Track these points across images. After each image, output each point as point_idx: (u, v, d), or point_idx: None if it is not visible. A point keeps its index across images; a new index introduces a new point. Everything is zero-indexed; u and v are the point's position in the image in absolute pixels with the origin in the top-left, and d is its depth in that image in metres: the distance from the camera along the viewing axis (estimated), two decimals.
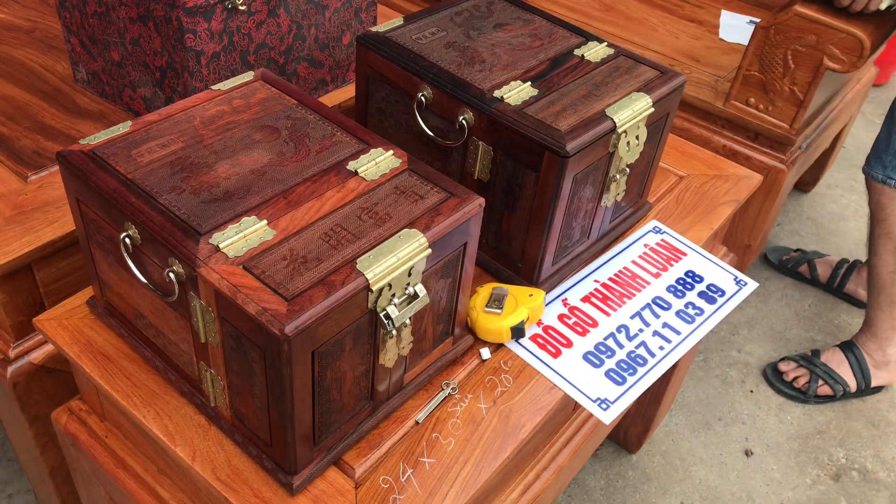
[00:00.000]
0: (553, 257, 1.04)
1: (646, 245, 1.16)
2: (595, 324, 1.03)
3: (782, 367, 1.99)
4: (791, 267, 2.29)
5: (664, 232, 1.19)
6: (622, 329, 1.03)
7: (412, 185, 0.83)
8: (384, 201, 0.81)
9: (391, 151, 0.86)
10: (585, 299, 1.07)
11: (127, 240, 0.78)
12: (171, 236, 0.74)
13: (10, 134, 1.24)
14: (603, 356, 0.99)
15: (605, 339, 1.02)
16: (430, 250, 0.77)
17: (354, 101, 1.19)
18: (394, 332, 0.79)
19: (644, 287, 1.10)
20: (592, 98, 1.00)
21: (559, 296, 1.07)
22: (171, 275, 0.74)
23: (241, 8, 1.15)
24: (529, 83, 1.00)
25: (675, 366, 1.53)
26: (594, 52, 1.08)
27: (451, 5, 1.15)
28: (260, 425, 0.79)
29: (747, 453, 1.82)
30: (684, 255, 1.15)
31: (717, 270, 1.14)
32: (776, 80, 1.74)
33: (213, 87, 0.94)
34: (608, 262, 1.13)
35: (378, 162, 0.85)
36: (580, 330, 1.02)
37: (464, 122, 0.99)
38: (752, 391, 1.97)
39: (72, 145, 0.83)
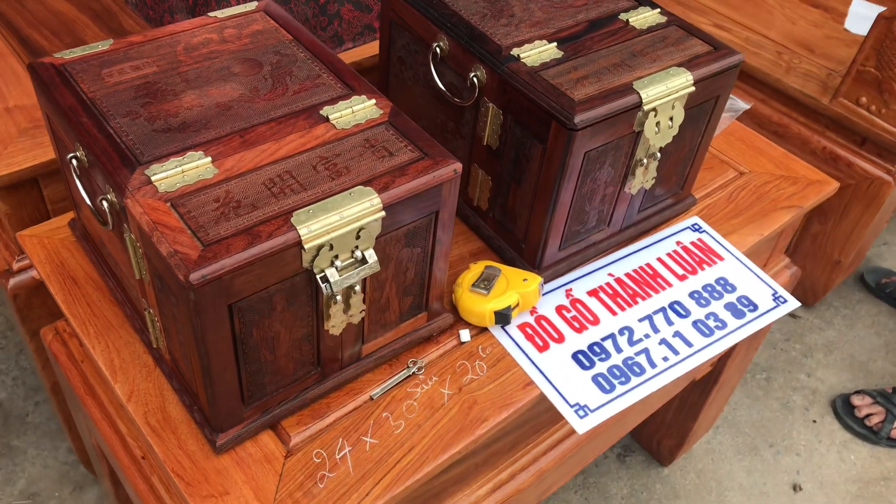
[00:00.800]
0: (560, 241, 0.93)
1: (678, 243, 1.03)
2: (596, 321, 0.93)
3: (856, 400, 1.79)
4: (889, 292, 2.06)
5: (704, 231, 1.05)
6: (625, 331, 0.92)
7: (385, 140, 0.75)
8: (348, 153, 0.73)
9: (373, 101, 0.78)
10: (593, 293, 0.96)
11: (74, 161, 0.74)
12: (108, 162, 0.69)
13: (49, 48, 1.24)
14: (595, 358, 0.89)
15: (603, 339, 0.91)
16: (383, 213, 0.69)
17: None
18: (338, 297, 0.71)
19: (664, 288, 0.97)
20: (623, 68, 0.88)
21: (564, 285, 0.96)
22: (105, 203, 0.70)
23: None
24: (555, 44, 0.89)
25: (718, 379, 1.39)
26: (642, 17, 0.95)
27: None
28: (190, 375, 0.74)
29: (795, 488, 1.66)
30: (721, 258, 1.02)
31: (754, 281, 1.00)
32: (894, 78, 1.53)
33: (210, 14, 0.88)
34: (630, 256, 1.01)
35: (356, 110, 0.77)
36: (577, 325, 0.92)
37: (475, 79, 0.90)
38: (815, 421, 1.79)
39: (46, 58, 0.80)
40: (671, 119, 0.89)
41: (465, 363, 0.87)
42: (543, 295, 0.94)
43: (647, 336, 0.92)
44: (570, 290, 0.96)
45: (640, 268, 1.00)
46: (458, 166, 0.73)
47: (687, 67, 0.88)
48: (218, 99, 0.77)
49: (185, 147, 0.71)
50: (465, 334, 0.89)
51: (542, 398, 0.85)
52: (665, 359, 0.90)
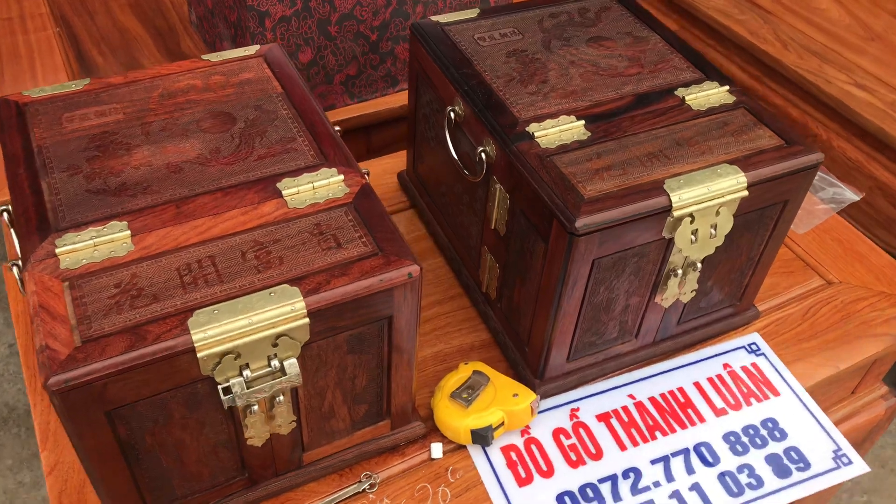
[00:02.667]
0: (569, 353, 0.79)
1: (726, 366, 0.86)
2: (598, 455, 0.77)
3: None
4: None
5: (762, 353, 0.87)
6: (631, 474, 0.76)
7: (338, 227, 0.64)
8: (290, 240, 0.62)
9: (342, 176, 0.67)
10: (603, 417, 0.80)
11: (5, 214, 0.67)
12: (25, 223, 0.62)
13: (103, 66, 1.22)
14: (583, 503, 0.74)
15: (602, 480, 0.75)
16: (306, 320, 0.58)
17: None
18: (254, 408, 0.61)
19: (695, 424, 0.80)
20: (660, 159, 0.72)
21: (570, 402, 0.81)
22: (16, 270, 0.62)
23: None
24: (583, 122, 0.75)
25: None
26: (703, 95, 0.79)
27: (549, 4, 0.91)
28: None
29: None
30: (776, 393, 0.84)
31: (813, 429, 0.81)
32: None
33: (204, 57, 0.80)
34: (660, 376, 0.84)
35: (317, 187, 0.66)
36: (574, 458, 0.77)
37: (483, 154, 0.77)
38: None
39: (14, 94, 0.74)
40: (714, 227, 0.72)
41: (426, 486, 0.74)
42: (543, 412, 0.80)
43: (656, 484, 0.75)
44: (577, 409, 0.81)
45: (671, 392, 0.83)
46: (415, 270, 0.61)
47: (742, 166, 0.71)
48: (171, 158, 0.68)
49: (112, 214, 0.63)
50: (436, 449, 0.77)
51: None
52: None
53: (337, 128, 0.76)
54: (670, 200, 0.68)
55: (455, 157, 0.83)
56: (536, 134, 0.73)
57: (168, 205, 0.64)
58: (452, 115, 0.81)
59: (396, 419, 0.74)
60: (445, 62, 0.82)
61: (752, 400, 0.83)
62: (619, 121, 0.76)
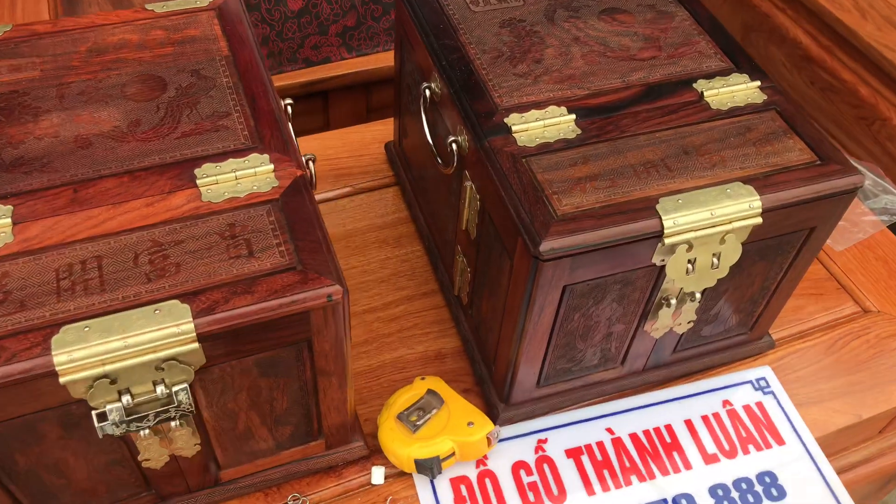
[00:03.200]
0: (539, 378, 0.68)
1: (727, 403, 0.74)
2: (561, 497, 0.68)
3: None
4: None
5: (770, 391, 0.75)
6: None
7: (254, 231, 0.54)
8: (193, 243, 0.53)
9: (272, 166, 0.57)
10: (573, 453, 0.70)
11: None
12: None
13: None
14: None
15: None
16: (196, 345, 0.49)
17: None
18: (145, 432, 0.53)
19: (679, 471, 0.70)
20: (659, 170, 0.60)
21: (538, 431, 0.71)
22: None
23: None
24: (574, 116, 0.63)
25: None
26: (727, 91, 0.66)
27: None
28: None
29: None
30: (781, 442, 0.72)
31: (817, 489, 0.70)
32: None
33: (148, 6, 0.70)
34: (647, 408, 0.74)
35: (240, 177, 0.57)
36: (533, 499, 0.67)
37: (454, 144, 0.66)
38: None
39: None
40: (717, 257, 0.60)
41: None
42: (505, 440, 0.71)
43: None
44: (545, 441, 0.71)
45: (656, 429, 0.72)
46: (337, 291, 0.51)
47: (758, 186, 0.59)
48: (83, 129, 0.59)
49: (1, 194, 0.54)
50: (377, 474, 0.68)
51: None
52: None
53: (288, 101, 0.66)
54: (662, 225, 0.56)
55: (430, 140, 0.72)
56: (515, 128, 0.61)
57: (65, 188, 0.55)
58: (428, 92, 0.70)
59: (332, 438, 0.66)
60: (426, 28, 0.70)
61: (751, 447, 0.72)
62: (619, 117, 0.63)
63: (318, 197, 0.89)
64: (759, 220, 0.59)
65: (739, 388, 0.76)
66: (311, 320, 0.52)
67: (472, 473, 0.69)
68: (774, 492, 0.69)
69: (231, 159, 0.58)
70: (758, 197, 0.58)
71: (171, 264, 0.52)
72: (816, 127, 0.64)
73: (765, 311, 0.72)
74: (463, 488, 0.68)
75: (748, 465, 0.71)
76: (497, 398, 0.71)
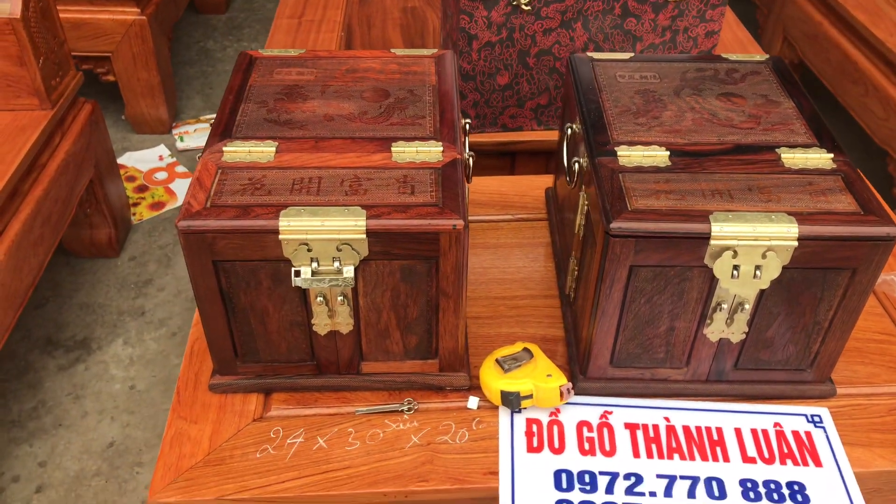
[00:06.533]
0: (612, 356, 0.86)
1: (777, 424, 0.86)
2: (611, 452, 0.83)
3: None
4: None
5: (822, 426, 0.86)
6: (632, 477, 0.81)
7: (420, 182, 0.79)
8: (379, 181, 0.80)
9: (441, 147, 0.83)
10: (631, 427, 0.86)
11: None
12: (215, 130, 0.86)
13: None
14: (577, 485, 0.81)
15: (602, 473, 0.82)
16: (363, 236, 0.75)
17: None
18: (319, 298, 0.79)
19: (717, 460, 0.83)
20: (722, 197, 0.78)
21: (606, 405, 0.88)
22: (198, 157, 0.87)
23: (524, 7, 1.18)
24: (669, 153, 0.83)
25: None
26: (802, 157, 0.83)
27: (707, 60, 1.00)
28: None
29: None
30: (818, 465, 0.83)
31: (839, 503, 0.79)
32: None
33: (392, 50, 1.01)
34: (705, 412, 0.88)
35: (420, 151, 0.83)
36: (587, 447, 0.84)
37: (576, 164, 0.88)
38: None
39: (255, 51, 1.01)
40: (759, 269, 0.76)
41: (451, 424, 0.86)
42: (577, 404, 0.88)
43: (652, 494, 0.80)
44: (610, 413, 0.87)
45: (707, 428, 0.86)
46: (459, 223, 0.75)
47: (800, 219, 0.75)
48: (330, 111, 0.90)
49: (271, 136, 0.85)
50: (473, 401, 0.88)
51: (495, 495, 0.81)
52: None
53: (468, 121, 0.93)
54: (710, 229, 0.75)
55: (564, 164, 0.95)
56: (620, 153, 0.83)
57: (310, 139, 0.85)
58: (569, 131, 0.93)
59: (444, 363, 0.88)
60: (580, 88, 0.95)
61: (789, 461, 0.83)
62: (706, 160, 0.83)
63: (484, 217, 1.15)
64: (794, 242, 0.74)
65: (794, 417, 0.87)
66: (440, 242, 0.76)
67: (544, 419, 0.87)
68: (799, 497, 0.80)
69: (417, 142, 0.85)
70: (796, 225, 0.74)
71: (362, 189, 0.79)
72: (872, 191, 0.79)
73: (821, 348, 0.85)
74: (534, 426, 0.86)
75: (782, 472, 0.82)
76: (579, 371, 0.89)
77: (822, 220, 0.75)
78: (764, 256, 0.76)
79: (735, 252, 0.75)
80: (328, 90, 0.93)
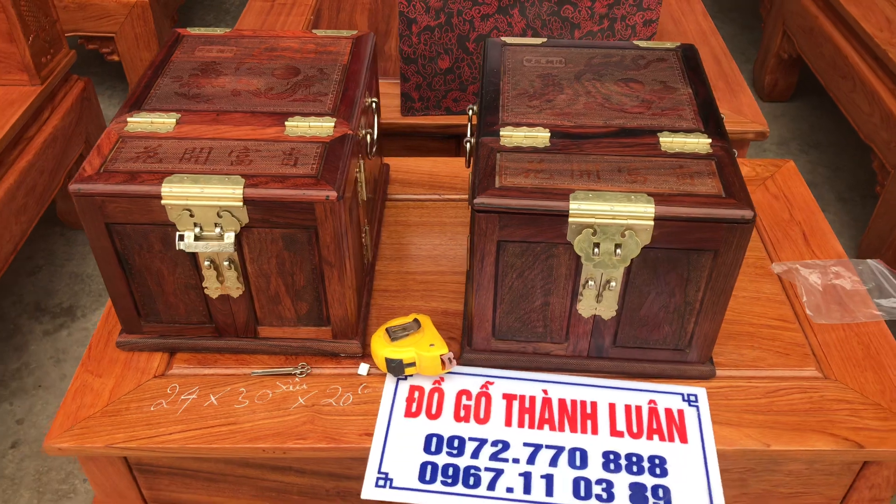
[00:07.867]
0: (493, 329, 0.90)
1: (652, 402, 0.89)
2: (484, 420, 0.87)
3: None
4: None
5: (696, 405, 0.89)
6: (499, 444, 0.85)
7: (305, 154, 0.84)
8: (266, 152, 0.84)
9: (332, 123, 0.87)
10: (508, 397, 0.90)
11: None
12: (127, 102, 0.92)
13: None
14: (445, 449, 0.84)
15: (472, 438, 0.85)
16: (241, 204, 0.79)
17: None
18: (207, 263, 0.84)
19: (585, 433, 0.86)
20: (590, 178, 0.81)
21: (488, 376, 0.92)
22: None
23: None
24: (549, 134, 0.86)
25: None
26: (680, 141, 0.85)
27: (619, 48, 1.02)
28: None
29: None
30: (683, 440, 0.85)
31: (696, 484, 0.82)
32: None
33: (314, 31, 1.06)
34: (583, 386, 0.91)
35: (312, 126, 0.87)
36: (463, 414, 0.88)
37: (468, 144, 0.92)
38: None
39: (184, 30, 1.06)
40: (618, 247, 0.79)
41: (338, 388, 0.91)
42: (461, 374, 0.92)
43: (515, 461, 0.83)
44: (491, 383, 0.91)
45: (582, 402, 0.89)
46: (333, 195, 0.79)
47: (658, 199, 0.78)
48: (238, 87, 0.94)
49: (176, 109, 0.90)
50: (363, 368, 0.93)
51: (365, 454, 0.85)
52: (509, 489, 0.81)
53: (375, 100, 0.97)
54: (569, 207, 0.77)
55: (467, 147, 0.98)
56: (503, 133, 0.86)
57: (212, 113, 0.90)
58: (470, 111, 0.97)
59: (337, 330, 0.92)
60: (485, 72, 0.98)
61: (656, 437, 0.86)
62: (585, 142, 0.86)
63: (409, 196, 1.18)
64: (651, 222, 0.77)
65: (669, 395, 0.90)
66: (316, 212, 0.80)
67: (427, 386, 0.91)
68: (658, 471, 0.83)
69: (313, 117, 0.89)
70: (653, 205, 0.77)
71: (248, 159, 0.83)
72: (740, 178, 0.81)
73: (696, 329, 0.87)
74: (416, 393, 0.90)
75: (647, 446, 0.85)
76: (466, 343, 0.93)
77: (680, 201, 0.78)
78: (623, 235, 0.78)
79: (594, 230, 0.78)
80: (242, 67, 0.98)
